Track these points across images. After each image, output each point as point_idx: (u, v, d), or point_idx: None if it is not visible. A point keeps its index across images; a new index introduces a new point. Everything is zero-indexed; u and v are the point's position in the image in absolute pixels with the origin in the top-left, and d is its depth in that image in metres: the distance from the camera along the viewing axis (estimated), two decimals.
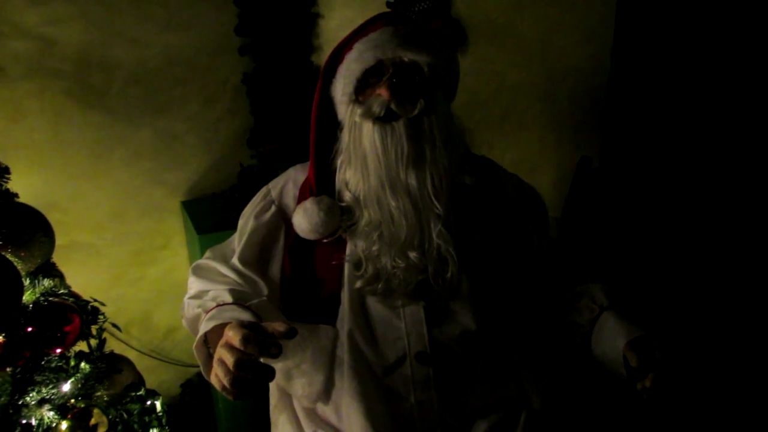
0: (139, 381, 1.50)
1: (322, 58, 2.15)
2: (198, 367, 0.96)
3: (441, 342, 1.05)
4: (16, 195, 1.29)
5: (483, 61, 2.30)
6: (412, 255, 1.05)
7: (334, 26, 2.15)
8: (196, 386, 2.14)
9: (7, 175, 1.24)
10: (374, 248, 1.07)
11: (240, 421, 1.88)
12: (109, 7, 1.79)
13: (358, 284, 1.08)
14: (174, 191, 2.02)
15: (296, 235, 1.13)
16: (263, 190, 1.26)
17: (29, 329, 1.18)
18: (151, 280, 2.04)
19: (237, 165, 2.06)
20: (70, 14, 1.73)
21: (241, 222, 1.23)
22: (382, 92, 1.05)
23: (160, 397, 1.47)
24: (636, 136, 2.43)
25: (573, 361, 1.15)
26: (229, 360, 0.80)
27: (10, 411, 1.13)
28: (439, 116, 1.06)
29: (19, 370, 1.16)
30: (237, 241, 1.20)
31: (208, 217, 1.87)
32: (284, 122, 2.12)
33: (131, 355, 1.77)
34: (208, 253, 1.25)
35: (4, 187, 1.24)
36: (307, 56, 2.17)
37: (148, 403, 1.45)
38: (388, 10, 2.19)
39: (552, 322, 1.17)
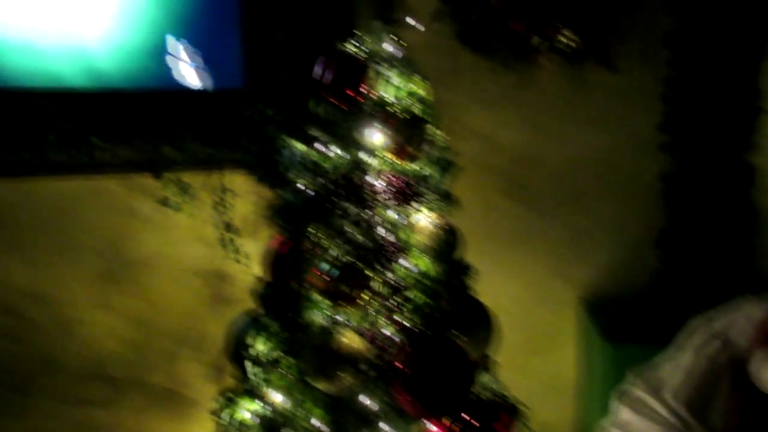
0: None
1: (764, 157, 1.87)
2: None
3: None
4: (467, 288, 1.43)
5: None
6: None
7: None
8: None
9: (471, 274, 1.39)
10: None
11: None
12: (544, 109, 1.91)
13: None
14: (573, 286, 2.01)
15: (751, 383, 0.94)
16: (702, 318, 1.11)
17: (468, 419, 1.27)
18: (535, 370, 2.05)
19: (643, 268, 1.95)
20: (510, 117, 1.91)
21: (673, 351, 1.10)
22: None
23: None
24: None
25: None
26: None
27: None
28: None
29: None
30: (670, 373, 1.07)
31: (613, 322, 1.79)
32: (705, 226, 1.91)
33: None
34: (632, 378, 1.15)
35: (467, 284, 1.38)
36: (740, 155, 1.92)
37: None
38: None
39: None
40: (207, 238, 1.75)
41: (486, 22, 1.71)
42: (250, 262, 1.76)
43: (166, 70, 1.72)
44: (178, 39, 1.71)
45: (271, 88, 1.63)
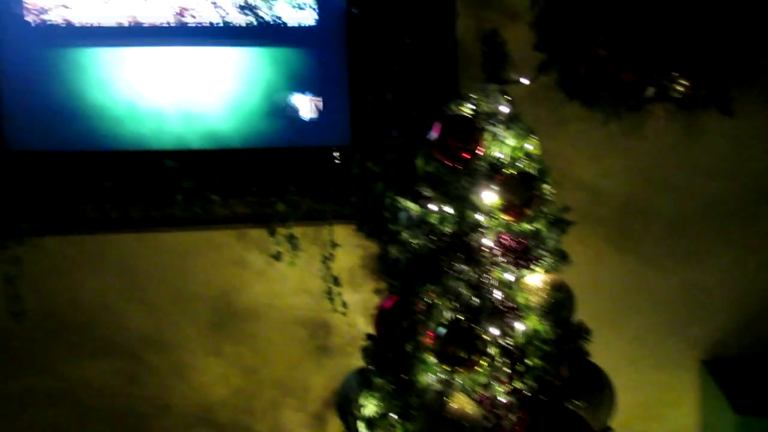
0: None
1: None
2: None
3: None
4: (587, 353, 1.36)
5: None
6: None
7: None
8: None
9: (586, 335, 1.33)
10: None
11: None
12: (655, 158, 1.83)
13: None
14: (694, 347, 1.87)
15: None
16: None
17: None
18: None
19: None
20: (620, 167, 1.83)
21: None
22: None
23: None
24: None
25: None
26: None
27: None
28: None
29: None
30: None
31: (743, 389, 1.62)
32: None
33: None
34: None
35: (584, 348, 1.32)
36: None
37: None
38: None
39: None
40: (313, 290, 1.79)
41: (595, 73, 1.67)
42: (354, 315, 1.78)
43: (279, 130, 1.81)
44: (289, 99, 1.80)
45: (377, 145, 1.66)
